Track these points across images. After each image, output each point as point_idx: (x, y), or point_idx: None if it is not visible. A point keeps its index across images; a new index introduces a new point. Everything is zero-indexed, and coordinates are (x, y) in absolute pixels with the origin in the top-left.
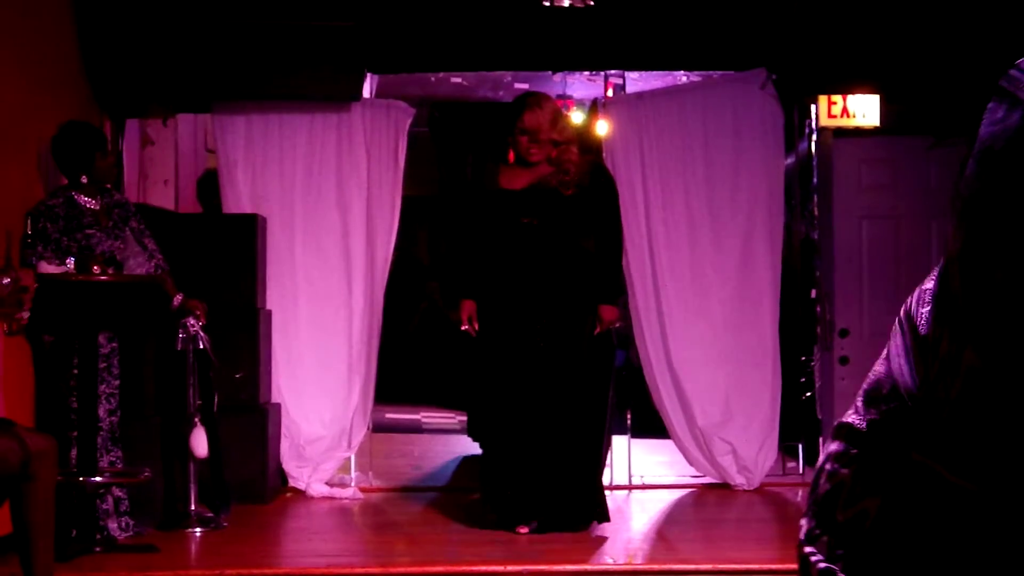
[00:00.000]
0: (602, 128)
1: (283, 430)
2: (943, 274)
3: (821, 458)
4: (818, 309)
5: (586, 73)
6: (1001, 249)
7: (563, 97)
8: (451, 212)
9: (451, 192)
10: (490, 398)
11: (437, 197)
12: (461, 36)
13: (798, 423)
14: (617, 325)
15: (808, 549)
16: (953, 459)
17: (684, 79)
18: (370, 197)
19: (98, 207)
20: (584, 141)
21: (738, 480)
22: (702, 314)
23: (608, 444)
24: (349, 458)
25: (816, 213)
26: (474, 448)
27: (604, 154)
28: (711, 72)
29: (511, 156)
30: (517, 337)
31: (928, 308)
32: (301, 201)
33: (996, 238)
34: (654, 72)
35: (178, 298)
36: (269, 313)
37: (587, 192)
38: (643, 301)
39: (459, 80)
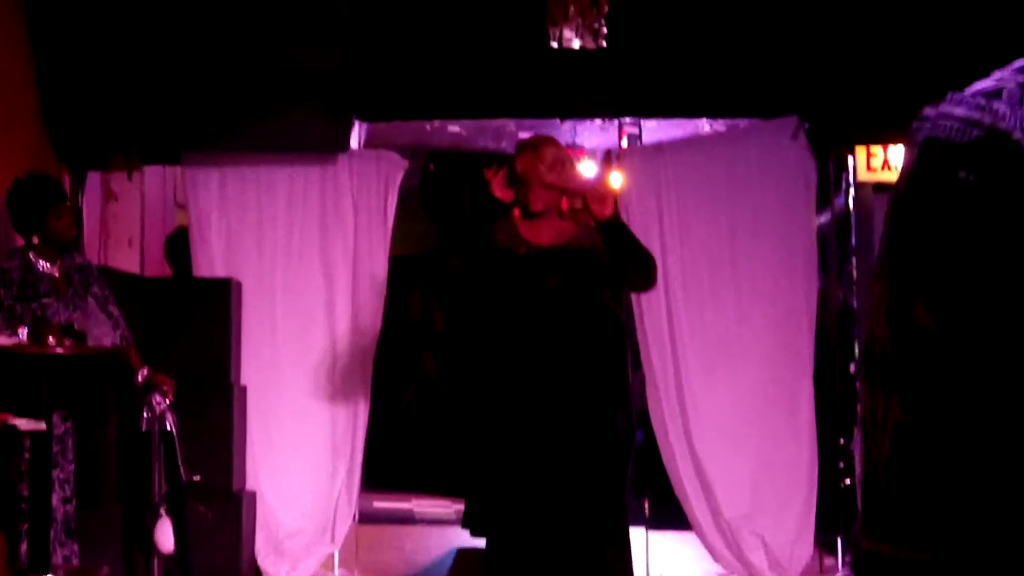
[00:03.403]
0: (616, 181)
1: (259, 521)
2: (869, 329)
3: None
4: (858, 385)
5: (598, 121)
6: (920, 288)
7: (573, 147)
8: (449, 274)
9: (450, 252)
10: (499, 485)
11: (431, 257)
12: (459, 80)
13: (837, 514)
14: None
15: None
16: (899, 532)
17: (707, 128)
18: (357, 258)
19: (57, 272)
20: None
21: None
22: (727, 388)
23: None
24: (332, 553)
25: (855, 277)
26: (471, 541)
27: (620, 208)
28: (737, 120)
29: (516, 210)
30: (531, 416)
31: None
32: (281, 263)
33: (913, 278)
34: (674, 120)
35: (143, 372)
36: (244, 389)
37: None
38: (660, 371)
39: (457, 129)
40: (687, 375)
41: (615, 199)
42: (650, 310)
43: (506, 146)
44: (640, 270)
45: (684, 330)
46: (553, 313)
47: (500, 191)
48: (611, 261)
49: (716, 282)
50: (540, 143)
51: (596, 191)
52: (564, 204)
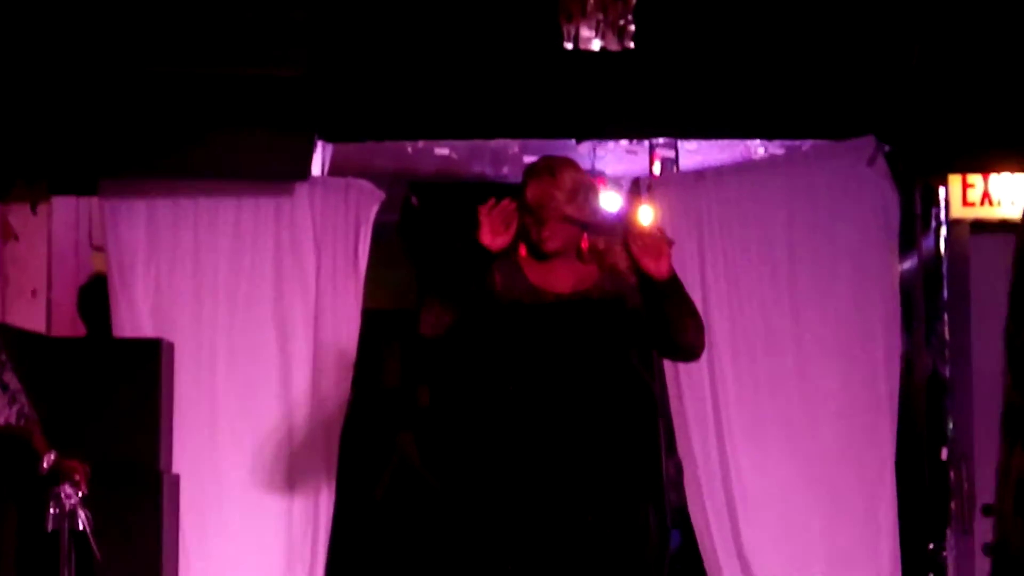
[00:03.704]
0: (646, 216)
1: None
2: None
3: None
4: (952, 476)
5: (624, 143)
6: None
7: (592, 175)
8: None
9: (435, 304)
10: None
11: (413, 311)
12: (449, 91)
13: None
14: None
15: None
16: None
17: (761, 151)
18: (320, 313)
19: None
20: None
21: None
22: (785, 479)
23: None
24: None
25: (947, 338)
26: None
27: None
28: (798, 142)
29: (522, 249)
30: (540, 516)
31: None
32: (225, 319)
33: None
34: (719, 141)
35: (49, 458)
36: (177, 478)
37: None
38: (702, 456)
39: (446, 152)
40: (735, 461)
41: (670, 249)
42: (689, 378)
43: (508, 173)
44: (689, 339)
45: (732, 404)
46: (569, 382)
47: (492, 236)
48: (649, 320)
49: (772, 344)
50: (557, 165)
51: (646, 239)
52: (585, 242)
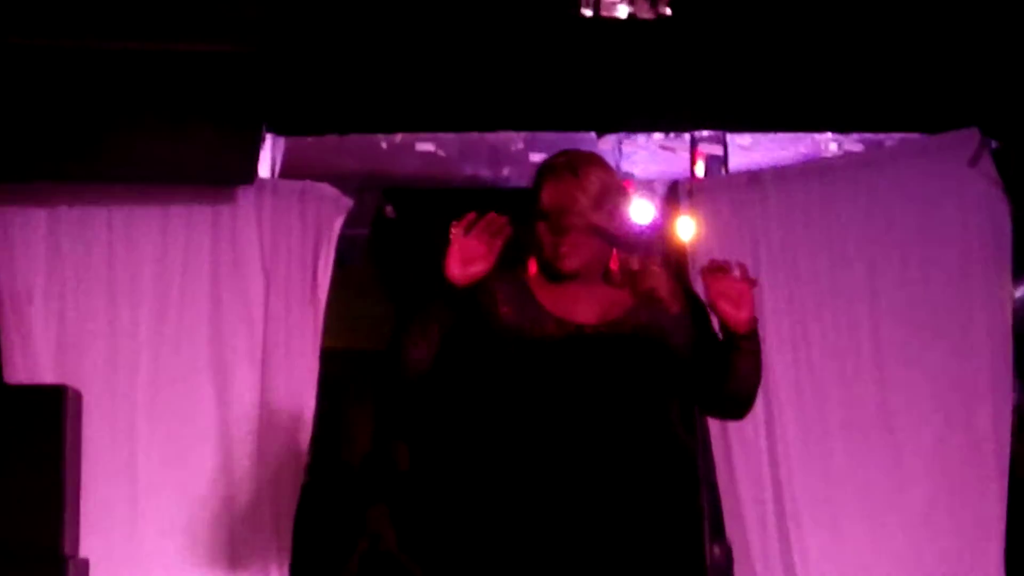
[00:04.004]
0: (686, 229)
1: None
2: None
3: None
4: None
5: (658, 137)
6: None
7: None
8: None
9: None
10: None
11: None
12: (434, 71)
13: None
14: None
15: None
16: None
17: (833, 147)
18: (269, 354)
19: None
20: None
21: None
22: (868, 567)
23: None
24: None
25: None
26: None
27: (692, 270)
28: (880, 135)
29: (532, 267)
30: None
31: None
32: (147, 362)
33: None
34: (779, 135)
35: None
36: (86, 564)
37: (695, 337)
38: (758, 539)
39: (430, 148)
40: (800, 547)
41: (752, 291)
42: (741, 440)
43: (510, 175)
44: (746, 394)
45: (796, 473)
46: (590, 440)
47: (463, 265)
48: (701, 366)
49: (848, 394)
50: (581, 163)
51: (726, 286)
52: (615, 262)
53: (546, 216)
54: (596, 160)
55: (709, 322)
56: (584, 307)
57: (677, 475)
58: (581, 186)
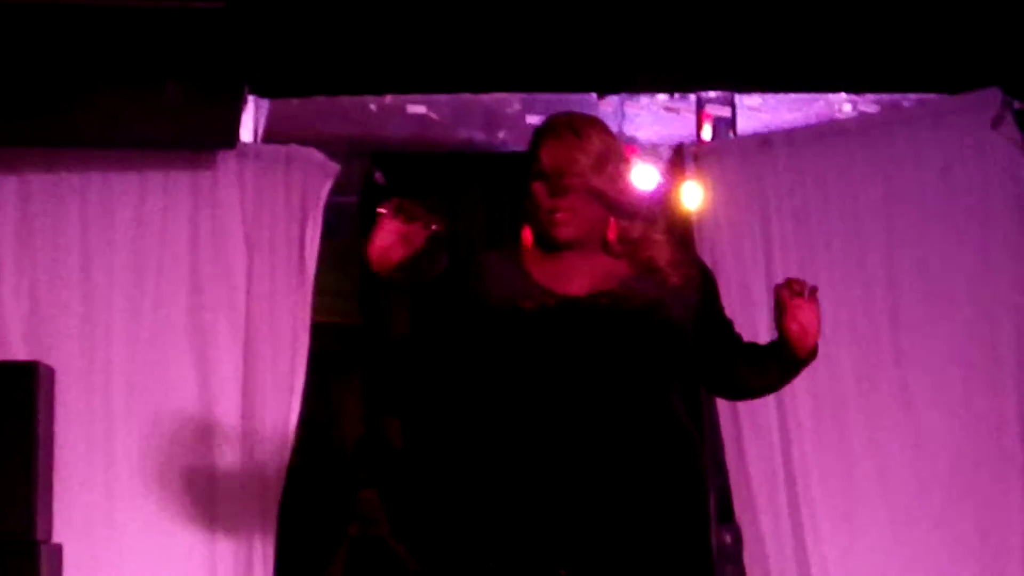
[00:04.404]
0: (692, 196)
1: None
2: None
3: None
4: None
5: (662, 99)
6: None
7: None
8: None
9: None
10: None
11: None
12: (426, 28)
13: None
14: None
15: None
16: None
17: (848, 108)
18: (253, 328)
19: None
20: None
21: None
22: (878, 560)
23: None
24: None
25: None
26: None
27: (698, 239)
28: (898, 96)
29: (527, 235)
30: None
31: None
32: (123, 337)
33: None
34: (791, 96)
35: None
36: (59, 549)
37: (699, 313)
38: (769, 521)
39: (422, 110)
40: (813, 531)
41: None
42: (752, 420)
43: (506, 139)
44: (770, 392)
45: (809, 454)
46: (577, 416)
47: (383, 249)
48: (712, 350)
49: (865, 372)
50: (582, 124)
51: (800, 309)
52: (613, 231)
53: (544, 176)
54: (599, 123)
55: (716, 296)
56: (577, 278)
57: (671, 452)
58: (582, 147)
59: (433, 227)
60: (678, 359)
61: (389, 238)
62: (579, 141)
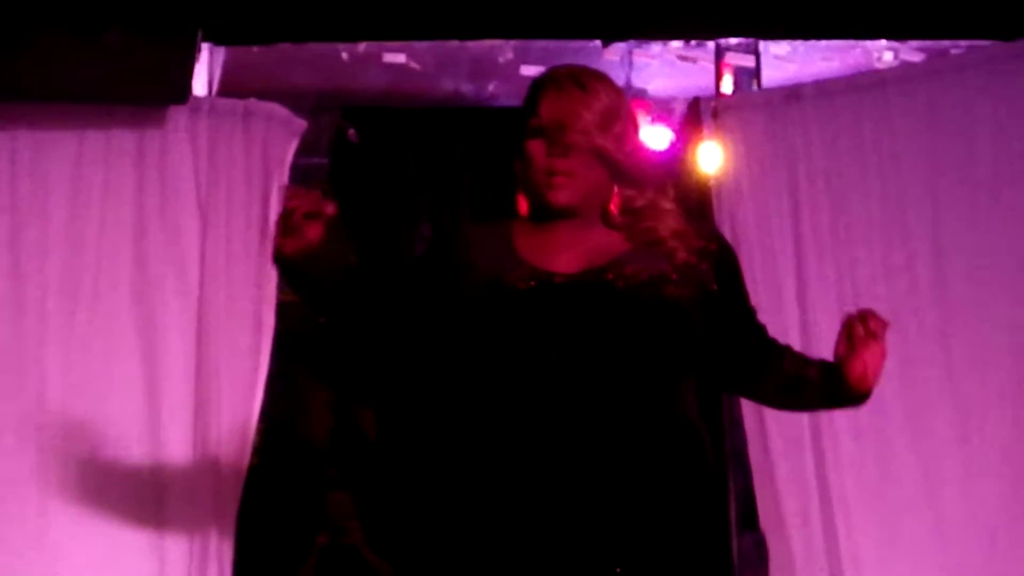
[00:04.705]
0: (709, 157)
1: None
2: None
3: None
4: None
5: (676, 46)
6: None
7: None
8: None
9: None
10: None
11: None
12: None
13: None
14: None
15: None
16: None
17: (888, 57)
18: (207, 306)
19: None
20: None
21: None
22: (926, 550)
23: None
24: None
25: None
26: None
27: (717, 207)
28: (942, 42)
29: (521, 202)
30: None
31: None
32: (58, 315)
33: None
34: (822, 43)
35: None
36: None
37: (712, 295)
38: (798, 530)
39: (401, 59)
40: (848, 540)
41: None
42: (777, 415)
43: (496, 92)
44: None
45: (844, 453)
46: (565, 414)
47: (284, 239)
48: (712, 327)
49: (905, 351)
50: (588, 77)
51: (868, 346)
52: (615, 200)
53: (543, 132)
54: (606, 78)
55: (737, 276)
56: (566, 254)
57: (667, 450)
58: (587, 102)
59: (327, 212)
60: (681, 346)
61: (290, 230)
62: (584, 95)
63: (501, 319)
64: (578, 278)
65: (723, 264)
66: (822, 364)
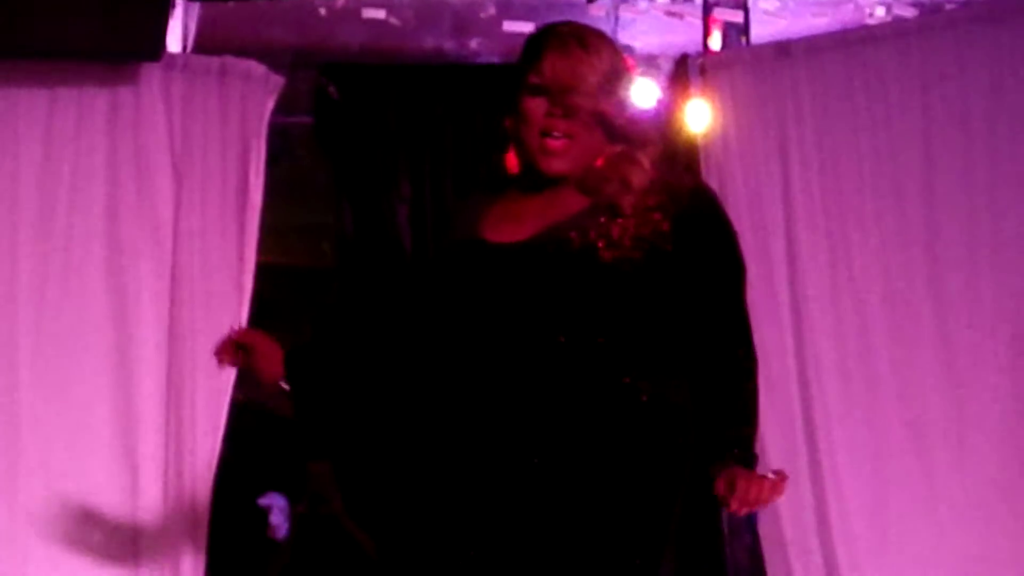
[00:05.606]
0: (698, 115)
1: None
2: None
3: None
4: None
5: (663, 1)
6: None
7: None
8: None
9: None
10: None
11: (333, 271)
12: None
13: None
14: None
15: None
16: None
17: (881, 12)
18: (181, 274)
19: None
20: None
21: None
22: (921, 538)
23: None
24: None
25: None
26: None
27: (704, 168)
28: None
29: (510, 161)
30: None
31: None
32: (27, 289)
33: None
34: None
35: None
36: None
37: (667, 258)
38: (791, 519)
39: (381, 15)
40: (843, 528)
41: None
42: (766, 382)
43: (478, 48)
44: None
45: (836, 432)
46: (509, 383)
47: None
48: (667, 289)
49: (898, 318)
50: (590, 36)
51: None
52: (599, 163)
53: (544, 91)
54: (605, 36)
55: (707, 240)
56: (533, 220)
57: (610, 424)
58: (591, 63)
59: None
60: (626, 311)
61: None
62: (587, 55)
63: (456, 290)
64: (524, 246)
65: (691, 224)
66: (718, 433)
